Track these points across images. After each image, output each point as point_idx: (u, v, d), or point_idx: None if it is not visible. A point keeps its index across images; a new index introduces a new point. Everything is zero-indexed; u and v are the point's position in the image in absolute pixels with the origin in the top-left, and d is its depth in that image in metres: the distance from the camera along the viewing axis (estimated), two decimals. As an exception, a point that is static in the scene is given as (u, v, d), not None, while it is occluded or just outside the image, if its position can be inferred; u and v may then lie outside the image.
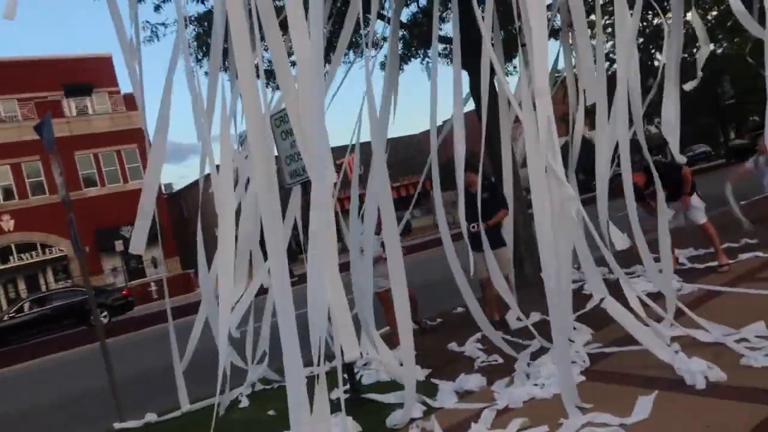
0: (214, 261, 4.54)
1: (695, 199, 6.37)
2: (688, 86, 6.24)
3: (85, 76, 29.76)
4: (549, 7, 7.11)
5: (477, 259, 5.51)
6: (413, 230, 30.01)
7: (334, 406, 3.86)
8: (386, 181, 3.69)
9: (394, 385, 4.57)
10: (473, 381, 4.27)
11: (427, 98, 5.35)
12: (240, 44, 3.19)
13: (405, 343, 3.59)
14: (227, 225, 3.67)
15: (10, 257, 27.06)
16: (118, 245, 25.81)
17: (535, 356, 4.56)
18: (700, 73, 6.29)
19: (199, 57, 9.24)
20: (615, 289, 4.58)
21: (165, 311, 5.67)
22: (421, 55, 12.25)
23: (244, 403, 5.24)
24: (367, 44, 4.99)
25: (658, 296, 5.65)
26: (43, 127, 5.80)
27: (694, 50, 24.32)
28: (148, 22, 8.94)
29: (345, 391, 4.62)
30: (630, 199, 4.51)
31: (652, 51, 23.70)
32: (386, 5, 8.17)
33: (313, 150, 2.80)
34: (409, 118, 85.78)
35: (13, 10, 3.52)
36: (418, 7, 10.17)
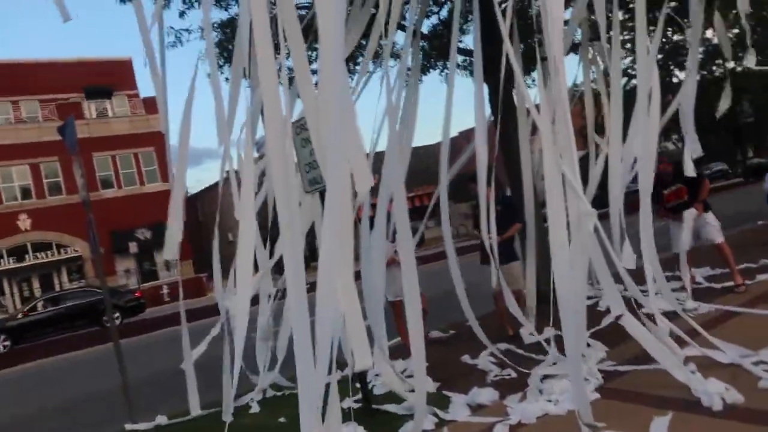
0: (232, 267, 4.58)
1: (711, 217, 6.32)
2: (723, 106, 6.18)
3: (106, 78, 30.18)
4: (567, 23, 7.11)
5: (490, 271, 5.50)
6: (427, 240, 29.94)
7: (345, 416, 3.86)
8: (402, 192, 3.69)
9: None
10: (486, 395, 4.25)
11: (441, 108, 5.40)
12: (263, 51, 3.22)
13: (416, 354, 3.58)
14: (247, 232, 3.69)
15: (26, 256, 27.38)
16: (133, 247, 26.01)
17: (549, 372, 4.52)
18: (728, 91, 6.25)
19: (221, 63, 9.35)
20: (629, 306, 4.54)
21: (177, 314, 5.71)
22: (440, 67, 12.30)
23: (255, 408, 5.25)
24: (386, 55, 5.04)
25: (673, 315, 5.62)
26: (66, 129, 5.90)
27: (714, 68, 24.22)
28: (172, 27, 9.09)
29: (356, 401, 4.63)
30: (646, 215, 4.46)
31: (671, 68, 23.59)
32: (407, 17, 8.22)
33: (335, 157, 2.81)
34: (427, 129, 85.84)
35: (66, 12, 3.64)
36: (439, 19, 10.23)
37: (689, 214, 6.36)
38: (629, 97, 5.04)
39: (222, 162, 4.68)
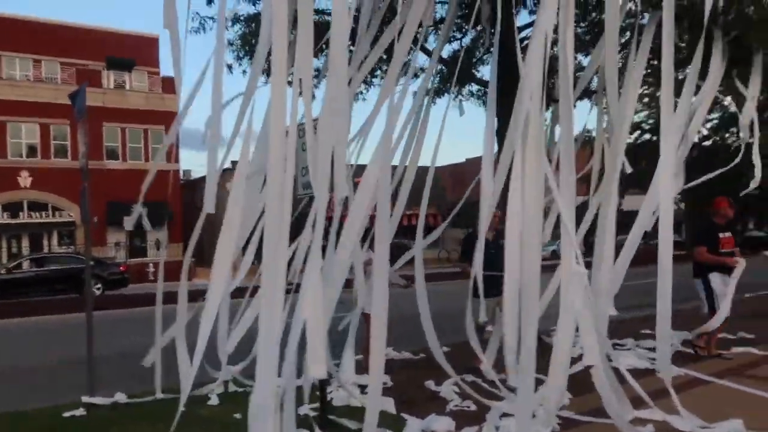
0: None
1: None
2: (753, 184, 5.88)
3: (129, 52, 30.37)
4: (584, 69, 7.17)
5: (476, 304, 5.44)
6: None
7: (301, 422, 3.86)
8: (387, 204, 3.71)
9: (364, 411, 4.54)
10: (442, 423, 4.24)
11: (455, 132, 5.45)
12: (277, 50, 3.27)
13: (374, 372, 3.57)
14: (232, 221, 3.71)
15: (21, 213, 27.36)
16: (127, 221, 26.00)
17: (508, 411, 4.52)
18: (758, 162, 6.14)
19: (241, 55, 9.44)
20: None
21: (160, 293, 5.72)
22: (455, 92, 12.39)
23: (214, 401, 5.23)
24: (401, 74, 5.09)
25: (645, 373, 5.63)
26: (78, 96, 5.95)
27: (727, 135, 24.32)
28: (197, 13, 9.18)
29: (314, 409, 4.63)
30: (665, 269, 4.25)
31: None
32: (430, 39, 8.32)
33: (322, 168, 2.85)
34: (431, 150, 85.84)
35: None
36: (461, 45, 10.34)
37: (741, 265, 5.85)
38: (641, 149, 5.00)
39: (208, 155, 4.66)
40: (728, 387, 5.08)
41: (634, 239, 4.24)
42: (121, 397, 5.44)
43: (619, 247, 4.23)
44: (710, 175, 5.77)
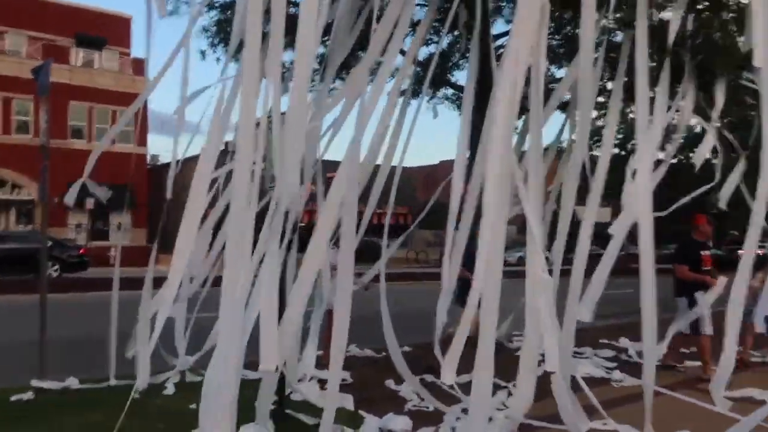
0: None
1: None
2: (722, 204, 5.92)
3: (101, 30, 29.60)
4: (559, 81, 7.29)
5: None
6: (393, 261, 29.92)
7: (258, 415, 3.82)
8: (354, 203, 3.70)
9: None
10: (399, 422, 4.26)
11: (429, 135, 5.48)
12: (251, 41, 3.23)
13: (334, 368, 3.56)
14: (194, 209, 3.66)
15: (-23, 188, 26.47)
16: (89, 203, 25.32)
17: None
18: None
19: (215, 42, 9.30)
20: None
21: (120, 278, 5.61)
22: (430, 95, 12.45)
23: (170, 390, 5.14)
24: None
25: (600, 382, 5.76)
26: (41, 71, 5.78)
27: (691, 154, 24.98)
28: (172, -6, 9.01)
29: (272, 402, 4.58)
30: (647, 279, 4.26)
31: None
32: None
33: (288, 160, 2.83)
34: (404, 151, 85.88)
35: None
36: (438, 48, 10.35)
37: (722, 284, 5.39)
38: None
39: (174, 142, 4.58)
40: (679, 399, 5.24)
41: (612, 251, 4.28)
42: (72, 382, 5.30)
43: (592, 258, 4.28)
44: (686, 199, 5.84)
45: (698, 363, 6.51)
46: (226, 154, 5.25)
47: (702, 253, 6.18)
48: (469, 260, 4.91)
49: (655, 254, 4.14)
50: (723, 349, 4.34)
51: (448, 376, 3.26)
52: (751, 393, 5.33)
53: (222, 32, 8.89)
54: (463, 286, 4.55)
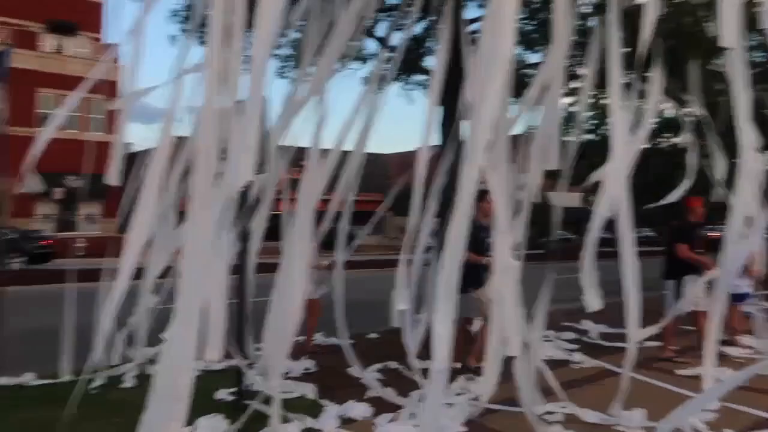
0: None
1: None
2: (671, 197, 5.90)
3: (72, 16, 28.85)
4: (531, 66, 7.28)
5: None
6: (360, 247, 29.88)
7: (217, 407, 3.79)
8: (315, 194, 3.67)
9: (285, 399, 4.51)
10: (359, 410, 4.26)
11: (405, 122, 5.46)
12: (216, 26, 3.15)
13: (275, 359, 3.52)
14: (147, 202, 3.59)
15: (-61, 179, 25.72)
16: (58, 192, 24.81)
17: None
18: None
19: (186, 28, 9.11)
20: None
21: (87, 270, 5.53)
22: (404, 81, 12.39)
23: (129, 383, 5.07)
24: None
25: (560, 364, 5.84)
26: (1, 56, 5.66)
27: (658, 141, 25.32)
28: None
29: (231, 393, 4.57)
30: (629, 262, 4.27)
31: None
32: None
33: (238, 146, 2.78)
34: (379, 138, 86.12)
35: None
36: (410, 34, 10.28)
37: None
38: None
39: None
40: (636, 378, 5.32)
41: (592, 237, 4.30)
42: (29, 378, 5.19)
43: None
44: (671, 198, 5.80)
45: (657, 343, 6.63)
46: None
47: (696, 233, 6.14)
48: (474, 245, 4.81)
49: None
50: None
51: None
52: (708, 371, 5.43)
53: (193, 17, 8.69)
54: (468, 272, 4.11)
